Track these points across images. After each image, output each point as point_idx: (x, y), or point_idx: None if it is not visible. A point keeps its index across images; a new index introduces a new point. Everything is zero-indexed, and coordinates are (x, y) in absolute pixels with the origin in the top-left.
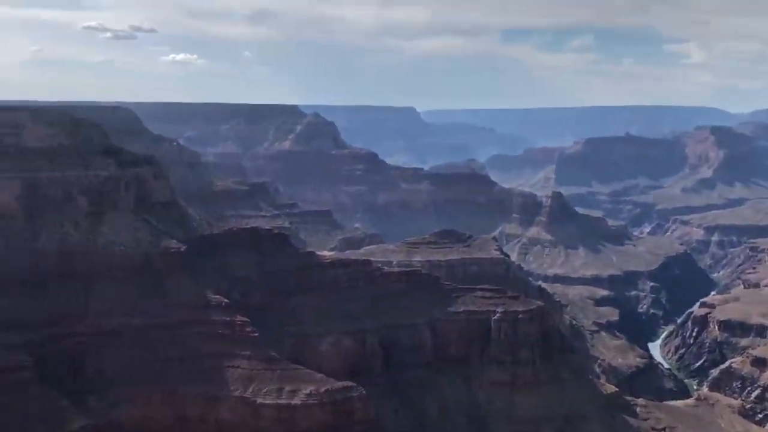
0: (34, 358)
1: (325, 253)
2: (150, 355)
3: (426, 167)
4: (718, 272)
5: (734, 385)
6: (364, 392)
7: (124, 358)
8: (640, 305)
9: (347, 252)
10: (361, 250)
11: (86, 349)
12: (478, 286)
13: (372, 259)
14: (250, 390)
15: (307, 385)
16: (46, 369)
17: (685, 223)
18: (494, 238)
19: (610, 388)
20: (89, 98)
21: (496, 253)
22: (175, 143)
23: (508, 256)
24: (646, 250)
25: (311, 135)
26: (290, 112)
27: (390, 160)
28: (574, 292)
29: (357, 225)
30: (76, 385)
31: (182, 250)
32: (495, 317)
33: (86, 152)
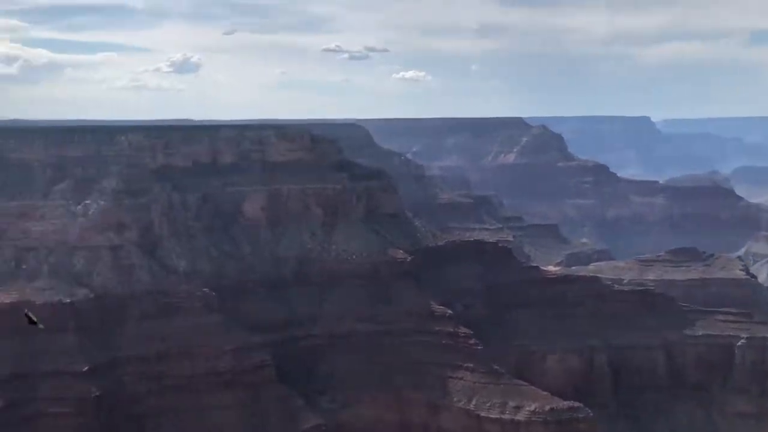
0: (274, 357)
1: (551, 268)
2: (377, 360)
3: (661, 180)
4: None
5: None
6: (591, 413)
7: (353, 361)
8: None
9: (574, 268)
10: (589, 267)
11: (320, 351)
12: (720, 309)
13: (601, 276)
14: (473, 403)
15: (532, 401)
16: (283, 369)
17: None
18: (739, 258)
19: None
20: (326, 116)
21: (740, 274)
22: (403, 157)
23: (755, 277)
24: None
25: (537, 147)
26: (516, 124)
27: (621, 173)
28: None
29: (584, 240)
30: (309, 385)
31: (408, 260)
32: (739, 343)
33: (322, 166)
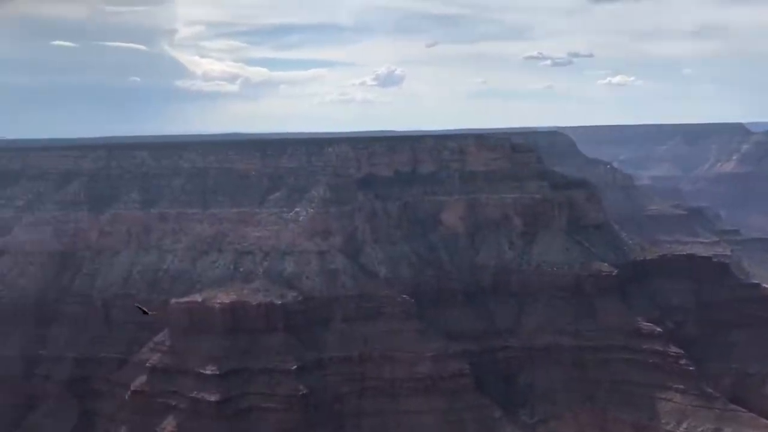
0: (472, 366)
1: None
2: (579, 375)
3: None
4: None
5: None
6: None
7: (553, 375)
8: None
9: None
10: None
11: (518, 363)
12: None
13: None
14: (684, 426)
15: (750, 429)
16: (480, 378)
17: None
18: None
19: None
20: (528, 124)
21: None
22: (608, 166)
23: None
24: None
25: (760, 155)
26: (735, 130)
27: None
28: None
29: None
30: (507, 397)
31: (613, 273)
32: None
33: (523, 175)
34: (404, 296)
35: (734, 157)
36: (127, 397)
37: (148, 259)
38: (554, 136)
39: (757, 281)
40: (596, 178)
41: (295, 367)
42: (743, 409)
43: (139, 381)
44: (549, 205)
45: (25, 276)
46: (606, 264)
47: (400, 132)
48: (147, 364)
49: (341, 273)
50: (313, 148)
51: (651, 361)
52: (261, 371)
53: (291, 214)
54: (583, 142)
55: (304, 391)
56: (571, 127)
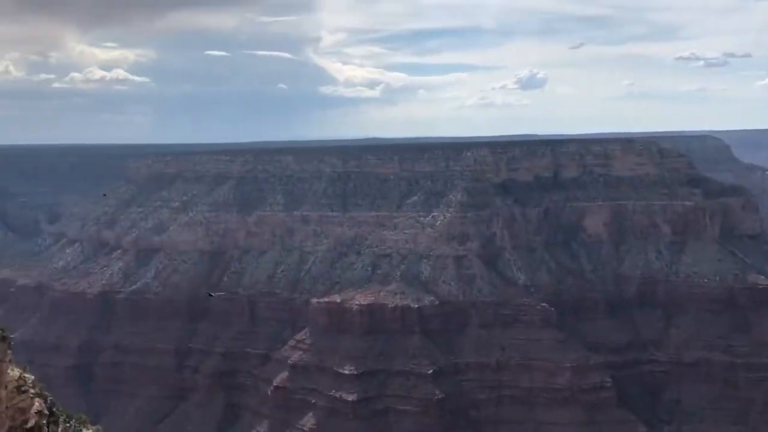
0: (614, 379)
1: None
2: (731, 393)
3: None
4: None
5: None
6: None
7: (703, 392)
8: None
9: None
10: None
11: (664, 377)
12: None
13: None
14: None
15: None
16: (623, 391)
17: None
18: None
19: None
20: (678, 128)
21: None
22: (766, 172)
23: None
24: None
25: None
26: None
27: None
28: None
29: None
30: (652, 412)
31: None
32: None
33: (671, 181)
34: (543, 304)
35: None
36: (269, 393)
37: (291, 259)
38: (707, 140)
39: None
40: (753, 185)
41: (431, 371)
42: None
43: (281, 377)
44: (701, 213)
45: (178, 273)
46: (763, 276)
47: (542, 136)
48: (289, 361)
49: (478, 278)
50: (451, 152)
51: None
52: (397, 373)
53: (428, 218)
54: (738, 147)
55: (440, 396)
56: (725, 131)
